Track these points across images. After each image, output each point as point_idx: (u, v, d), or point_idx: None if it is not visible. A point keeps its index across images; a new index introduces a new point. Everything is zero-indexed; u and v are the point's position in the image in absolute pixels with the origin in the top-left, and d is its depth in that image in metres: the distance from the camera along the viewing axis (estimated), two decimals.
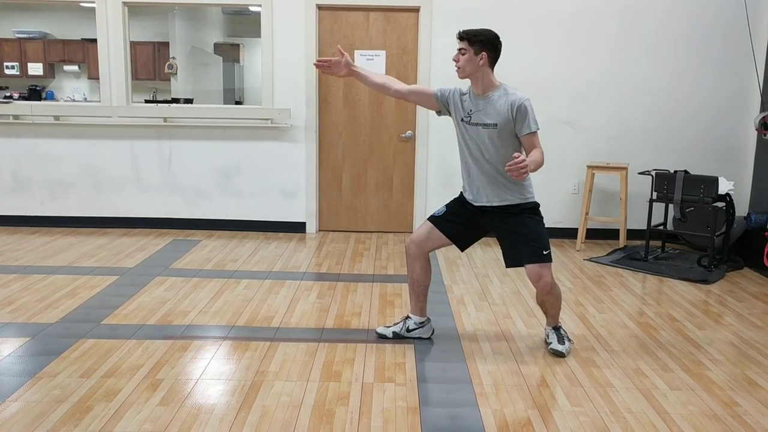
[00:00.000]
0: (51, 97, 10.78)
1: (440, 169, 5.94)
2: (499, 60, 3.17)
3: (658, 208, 5.65)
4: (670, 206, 5.47)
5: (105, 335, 3.43)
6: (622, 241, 5.67)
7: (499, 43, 3.15)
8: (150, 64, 10.42)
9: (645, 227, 5.39)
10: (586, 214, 5.71)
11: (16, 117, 5.94)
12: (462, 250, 3.47)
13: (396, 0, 5.77)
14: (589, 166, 5.65)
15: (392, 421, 2.58)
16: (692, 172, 5.40)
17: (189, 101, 8.88)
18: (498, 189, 3.18)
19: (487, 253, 5.38)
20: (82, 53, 10.52)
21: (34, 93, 10.46)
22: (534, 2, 5.75)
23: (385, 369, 3.07)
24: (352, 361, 3.16)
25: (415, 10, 5.81)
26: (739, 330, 3.75)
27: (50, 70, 10.69)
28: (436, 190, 5.97)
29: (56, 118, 5.99)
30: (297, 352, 3.25)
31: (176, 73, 9.65)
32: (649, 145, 5.91)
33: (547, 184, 5.97)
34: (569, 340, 3.38)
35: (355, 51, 5.91)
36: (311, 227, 6.12)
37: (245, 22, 11.41)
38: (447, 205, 3.40)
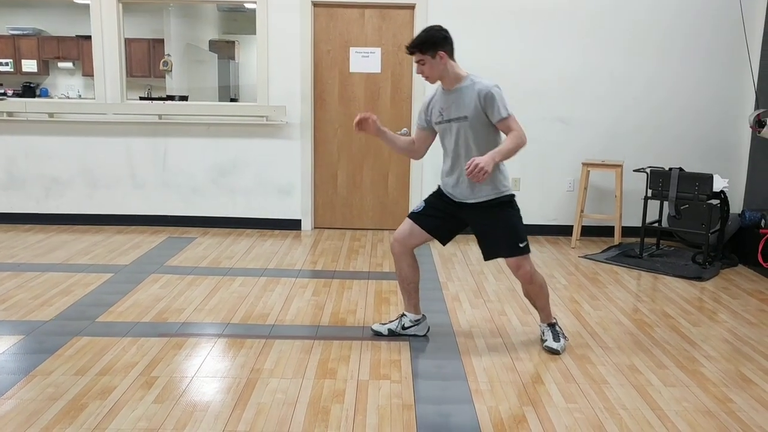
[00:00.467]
0: (45, 94, 10.75)
1: (435, 166, 5.88)
2: (455, 48, 3.15)
3: (653, 205, 5.67)
4: (665, 203, 5.49)
5: (100, 333, 3.42)
6: (617, 238, 5.69)
7: (446, 33, 3.12)
8: (145, 61, 10.40)
9: (640, 224, 5.40)
10: (582, 211, 5.72)
11: (10, 114, 5.93)
12: (443, 244, 3.47)
13: None
14: (584, 164, 5.66)
15: (387, 418, 2.58)
16: (687, 169, 5.41)
17: (184, 98, 8.86)
18: (473, 184, 3.17)
19: None
20: (77, 50, 10.49)
21: (28, 90, 10.44)
22: None
23: (381, 366, 3.08)
24: (347, 358, 3.17)
25: (411, 7, 5.81)
26: (734, 327, 3.76)
27: (44, 67, 10.66)
28: (431, 188, 5.84)
29: (50, 115, 5.97)
30: (292, 350, 3.25)
31: (171, 70, 9.63)
32: (644, 142, 5.92)
33: (542, 181, 5.99)
34: (564, 337, 3.38)
35: (351, 48, 5.90)
36: (307, 224, 6.12)
37: (240, 19, 11.40)
38: (426, 200, 3.41)
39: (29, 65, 10.56)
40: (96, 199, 6.06)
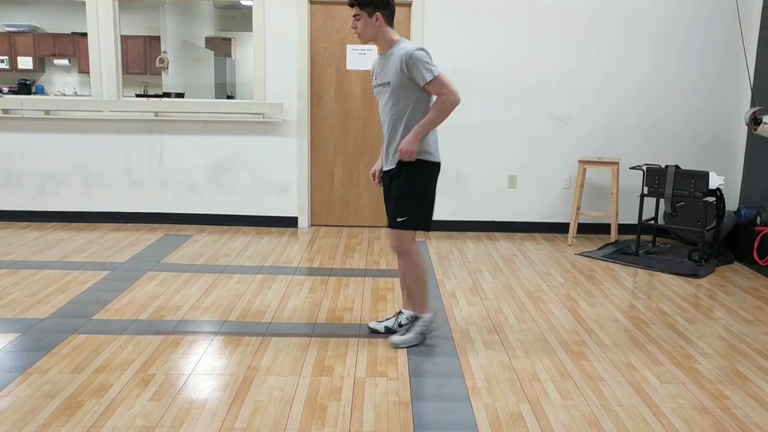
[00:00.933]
0: (41, 91, 10.72)
1: None
2: (395, 14, 3.15)
3: (649, 202, 5.68)
4: (661, 201, 5.50)
5: (96, 330, 3.42)
6: (613, 235, 5.70)
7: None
8: (141, 59, 10.37)
9: (636, 222, 5.42)
10: (578, 208, 5.73)
11: (5, 111, 5.90)
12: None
13: None
14: (580, 161, 5.67)
15: (384, 416, 2.58)
16: (683, 167, 5.43)
17: (180, 96, 8.84)
18: (389, 151, 3.16)
19: (479, 247, 5.39)
20: (73, 47, 10.46)
21: (24, 87, 10.40)
22: None
23: (377, 363, 3.08)
24: (344, 355, 3.17)
25: (407, 5, 5.80)
26: (729, 324, 3.78)
27: (40, 64, 10.63)
28: None
29: (46, 112, 5.95)
30: (289, 347, 3.25)
31: (167, 68, 9.59)
32: (640, 140, 5.93)
33: (539, 179, 5.99)
34: (421, 335, 3.29)
35: (347, 45, 5.90)
36: (303, 222, 6.11)
37: (237, 17, 11.37)
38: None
39: (25, 62, 10.52)
40: (92, 196, 6.05)
